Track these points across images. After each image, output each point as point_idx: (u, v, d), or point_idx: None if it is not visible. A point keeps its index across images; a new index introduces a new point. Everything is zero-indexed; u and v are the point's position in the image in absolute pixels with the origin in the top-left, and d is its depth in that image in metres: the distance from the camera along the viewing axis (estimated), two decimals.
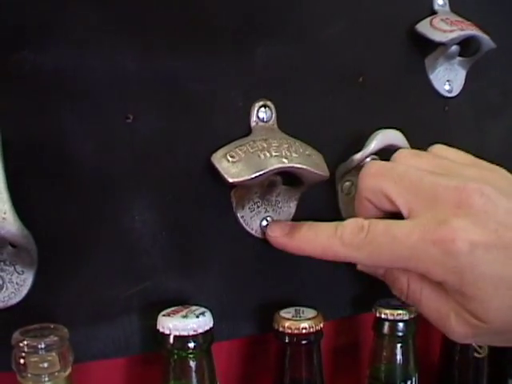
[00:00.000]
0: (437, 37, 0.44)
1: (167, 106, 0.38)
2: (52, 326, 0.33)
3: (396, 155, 0.39)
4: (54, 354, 0.32)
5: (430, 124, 0.48)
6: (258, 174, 0.37)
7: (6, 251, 0.35)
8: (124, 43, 0.37)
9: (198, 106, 0.39)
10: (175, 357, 0.35)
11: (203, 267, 0.40)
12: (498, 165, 0.38)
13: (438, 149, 0.40)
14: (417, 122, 0.46)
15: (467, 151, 0.41)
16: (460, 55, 0.48)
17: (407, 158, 0.38)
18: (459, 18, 0.46)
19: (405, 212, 0.36)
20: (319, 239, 0.37)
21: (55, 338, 0.32)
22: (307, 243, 0.38)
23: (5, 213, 0.32)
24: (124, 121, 0.37)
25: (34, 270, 0.36)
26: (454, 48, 0.47)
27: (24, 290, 0.36)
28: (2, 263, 0.35)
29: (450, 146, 0.49)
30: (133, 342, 0.39)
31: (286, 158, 0.38)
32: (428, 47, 0.46)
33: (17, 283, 0.36)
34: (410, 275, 0.37)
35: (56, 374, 0.32)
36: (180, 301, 0.39)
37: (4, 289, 0.36)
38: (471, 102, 0.50)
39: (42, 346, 0.32)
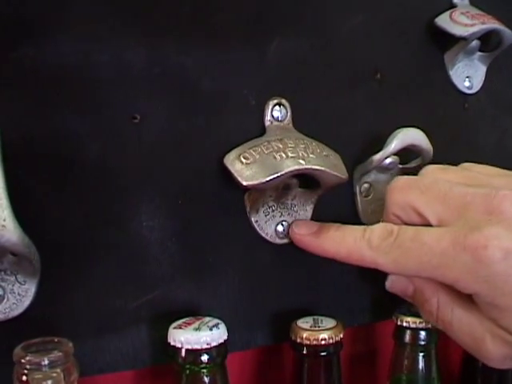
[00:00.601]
0: (457, 31, 0.42)
1: (176, 105, 0.36)
2: (56, 340, 0.31)
3: (423, 171, 0.37)
4: (58, 370, 0.29)
5: (449, 122, 0.45)
6: (273, 176, 0.34)
7: (7, 260, 0.32)
8: (131, 40, 0.35)
9: (208, 105, 0.36)
10: (187, 371, 0.32)
11: (215, 275, 0.37)
12: None
13: (465, 164, 0.38)
14: (436, 120, 0.43)
15: (486, 150, 0.39)
16: (480, 50, 0.45)
17: (434, 171, 0.37)
18: (480, 12, 0.43)
19: (434, 222, 0.33)
20: (346, 241, 0.35)
21: (59, 354, 0.29)
22: (332, 244, 0.36)
23: (4, 220, 0.29)
24: (131, 121, 0.35)
25: (36, 280, 0.33)
26: (475, 43, 0.44)
27: (26, 301, 0.33)
28: (2, 273, 0.33)
29: (469, 144, 0.46)
30: (141, 355, 0.36)
31: (303, 160, 0.36)
32: (447, 42, 0.44)
33: (18, 294, 0.33)
34: (440, 295, 0.34)
35: None
36: (191, 311, 0.37)
37: (5, 300, 0.33)
38: (491, 99, 0.47)
39: (46, 362, 0.29)
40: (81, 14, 0.33)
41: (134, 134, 0.35)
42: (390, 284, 0.38)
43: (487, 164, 0.38)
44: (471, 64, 0.45)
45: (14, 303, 0.33)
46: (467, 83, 0.46)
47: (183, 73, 0.36)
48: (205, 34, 0.36)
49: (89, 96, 0.34)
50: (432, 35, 0.43)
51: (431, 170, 0.37)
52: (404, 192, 0.35)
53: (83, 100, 0.34)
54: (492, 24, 0.42)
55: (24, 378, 0.29)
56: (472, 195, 0.32)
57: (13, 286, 0.33)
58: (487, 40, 0.45)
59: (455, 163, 0.43)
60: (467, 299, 0.33)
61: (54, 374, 0.29)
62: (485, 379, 0.44)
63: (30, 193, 0.33)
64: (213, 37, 0.37)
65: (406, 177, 0.37)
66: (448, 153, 0.41)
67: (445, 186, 0.34)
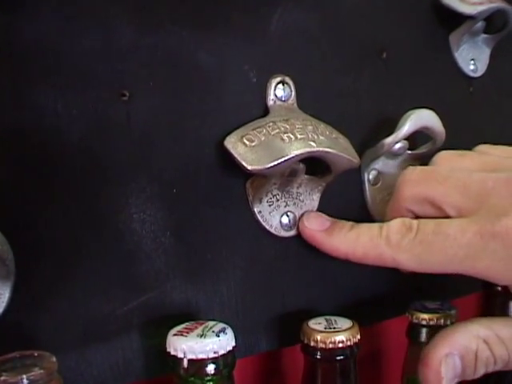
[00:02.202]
0: (465, 9, 0.37)
1: (169, 81, 0.30)
2: (36, 354, 0.25)
3: (436, 158, 0.33)
4: None
5: (455, 106, 0.41)
6: (282, 159, 0.29)
7: None
8: (119, 8, 0.29)
9: (205, 81, 0.31)
10: None
11: (215, 274, 0.32)
12: None
13: (482, 147, 0.34)
14: (442, 104, 0.39)
15: (490, 135, 0.35)
16: (484, 32, 0.41)
17: (449, 159, 0.33)
18: None
19: (453, 214, 0.30)
20: (361, 240, 0.31)
21: (41, 372, 0.23)
22: (347, 244, 0.31)
23: None
24: (119, 99, 0.29)
25: (10, 284, 0.27)
26: (480, 24, 0.40)
27: None
28: None
29: (473, 129, 0.42)
30: (133, 367, 0.30)
31: (313, 142, 0.30)
32: (453, 22, 0.39)
33: None
34: None
35: None
36: (188, 314, 0.31)
37: None
38: (495, 84, 0.43)
39: (25, 382, 0.23)
40: None
41: (123, 113, 0.29)
42: None
43: None
44: (475, 46, 0.41)
45: None
46: (472, 66, 0.41)
47: (177, 44, 0.30)
48: (202, 2, 0.30)
49: (70, 70, 0.28)
50: (437, 14, 0.39)
51: (446, 158, 0.33)
52: (419, 185, 0.31)
53: (63, 75, 0.28)
54: (500, 3, 0.38)
55: None
56: (493, 181, 0.29)
57: None
58: (492, 22, 0.41)
59: (459, 149, 0.39)
60: None
61: None
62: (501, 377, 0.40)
63: (0, 183, 0.27)
64: (209, 7, 0.31)
65: (419, 167, 0.33)
66: (453, 138, 0.37)
67: (463, 174, 0.30)
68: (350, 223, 0.32)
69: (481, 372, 0.29)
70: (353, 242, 0.31)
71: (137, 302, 0.30)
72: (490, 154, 0.33)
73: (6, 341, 0.27)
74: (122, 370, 0.30)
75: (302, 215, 0.34)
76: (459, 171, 0.31)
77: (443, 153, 0.34)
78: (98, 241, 0.29)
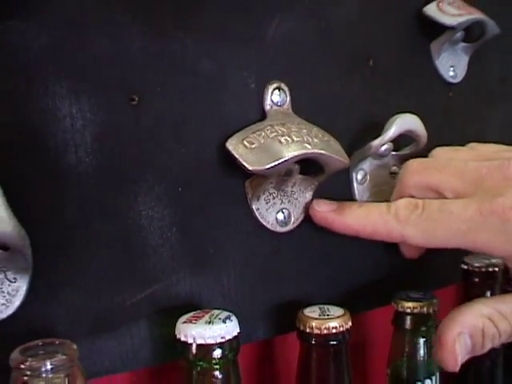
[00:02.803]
0: (446, 20, 0.40)
1: (175, 86, 0.32)
2: (57, 342, 0.27)
3: (433, 152, 0.37)
4: (61, 375, 0.25)
5: (436, 110, 0.44)
6: (281, 160, 0.31)
7: None
8: (127, 17, 0.31)
9: (207, 86, 0.33)
10: (198, 368, 0.29)
11: (216, 266, 0.34)
12: None
13: (472, 144, 0.38)
14: (424, 108, 0.42)
15: (469, 137, 0.38)
16: (463, 41, 0.44)
17: (446, 152, 0.36)
18: (463, 3, 0.42)
19: (452, 197, 0.33)
20: (371, 216, 0.34)
21: (63, 357, 0.25)
22: (357, 220, 0.34)
23: None
24: (129, 103, 0.31)
25: (28, 277, 0.29)
26: (459, 33, 0.43)
27: (17, 301, 0.29)
28: None
29: (452, 132, 0.45)
30: (142, 354, 0.32)
31: (308, 144, 0.33)
32: (434, 31, 0.42)
33: (8, 293, 0.29)
34: None
35: None
36: (192, 304, 0.33)
37: None
38: (472, 89, 0.46)
39: (48, 367, 0.25)
40: None
41: (132, 116, 0.31)
42: None
43: None
44: (455, 54, 0.44)
45: (3, 304, 0.29)
46: (451, 73, 0.44)
47: (182, 52, 0.32)
48: (204, 11, 0.33)
49: (83, 75, 0.30)
50: (419, 24, 0.42)
51: (443, 152, 0.36)
52: (421, 173, 0.34)
53: (77, 79, 0.29)
54: (478, 15, 0.41)
55: None
56: (487, 167, 0.32)
57: (2, 284, 0.28)
58: (470, 31, 0.44)
59: None
60: None
61: (58, 380, 0.25)
62: (483, 363, 0.43)
63: (18, 181, 0.29)
64: (210, 16, 0.33)
65: (419, 159, 0.36)
66: (434, 140, 0.40)
67: (460, 163, 0.33)
68: (358, 202, 0.36)
69: (488, 347, 0.32)
70: (363, 218, 0.34)
71: (145, 294, 0.32)
72: (479, 149, 0.36)
73: (24, 330, 0.29)
74: (131, 357, 0.32)
75: (296, 212, 0.37)
76: (456, 161, 0.34)
77: (439, 148, 0.37)
78: (109, 236, 0.31)
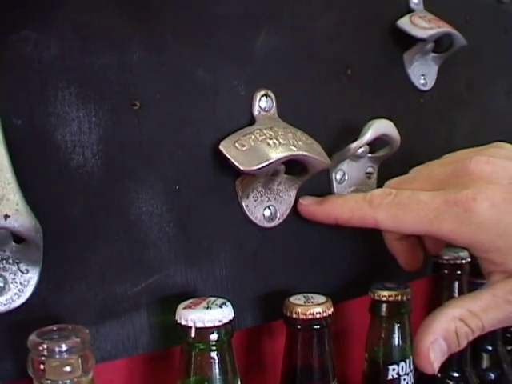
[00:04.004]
0: (418, 33, 0.45)
1: (174, 93, 0.35)
2: (70, 327, 0.29)
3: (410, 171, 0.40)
4: (75, 357, 0.28)
5: (408, 115, 0.48)
6: (270, 161, 0.35)
7: (9, 248, 0.31)
8: (130, 29, 0.34)
9: (202, 93, 0.37)
10: (197, 350, 0.32)
11: (209, 258, 0.38)
12: None
13: (445, 155, 0.41)
14: (397, 114, 0.46)
15: (438, 140, 0.42)
16: (433, 51, 0.49)
17: (417, 168, 0.40)
18: (434, 16, 0.47)
19: None
20: (348, 204, 0.38)
21: (77, 340, 0.28)
22: (335, 208, 0.38)
23: (17, 204, 0.28)
24: (131, 108, 0.34)
25: (39, 268, 0.31)
26: (430, 44, 0.47)
27: (28, 291, 0.31)
28: (4, 261, 0.31)
29: (423, 136, 0.50)
30: (142, 340, 0.35)
31: (294, 146, 0.37)
32: (406, 43, 0.47)
33: (21, 283, 0.31)
34: None
35: (76, 379, 0.28)
36: (187, 294, 0.37)
37: (6, 290, 0.31)
38: (441, 96, 0.51)
39: (64, 348, 0.28)
40: (83, 3, 0.32)
41: (135, 120, 0.34)
42: None
43: (438, 154, 0.41)
44: (426, 63, 0.49)
45: (15, 293, 0.31)
46: (422, 81, 0.49)
47: (180, 62, 0.36)
48: (200, 26, 0.36)
49: (89, 82, 0.33)
50: (394, 37, 0.46)
51: (415, 168, 0.40)
52: (398, 184, 0.38)
53: (83, 86, 0.33)
54: (447, 28, 0.46)
55: (41, 366, 0.27)
56: (452, 168, 0.36)
57: (15, 275, 0.31)
58: (440, 43, 0.48)
59: (411, 154, 0.46)
60: None
61: (72, 361, 0.28)
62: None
63: (29, 179, 0.31)
64: (204, 30, 0.37)
65: (394, 178, 0.40)
66: (406, 144, 0.44)
67: (428, 171, 0.38)
68: (338, 194, 0.40)
69: (464, 343, 0.35)
70: (340, 206, 0.38)
71: (145, 284, 0.35)
72: (447, 156, 0.40)
73: (34, 318, 0.32)
74: (133, 343, 0.35)
75: (281, 209, 0.40)
76: (424, 171, 0.38)
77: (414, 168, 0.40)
78: (113, 230, 0.34)
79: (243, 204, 0.38)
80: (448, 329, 0.34)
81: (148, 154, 0.35)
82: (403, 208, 0.35)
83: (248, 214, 0.39)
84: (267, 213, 0.40)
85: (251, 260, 0.39)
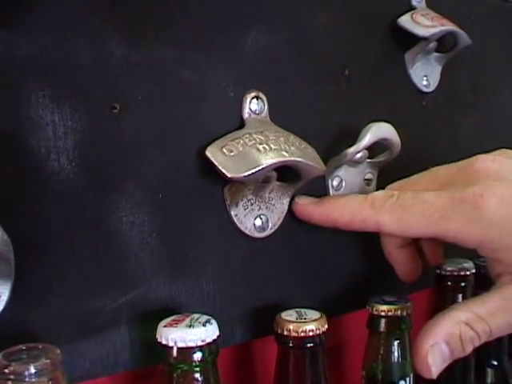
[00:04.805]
0: (420, 31, 0.43)
1: (156, 95, 0.34)
2: (41, 347, 0.27)
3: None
4: (45, 379, 0.26)
5: (409, 118, 0.46)
6: (259, 168, 0.33)
7: None
8: (110, 28, 0.32)
9: (188, 95, 0.35)
10: (179, 371, 0.30)
11: (195, 270, 0.36)
12: None
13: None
14: (398, 116, 0.44)
15: (441, 145, 0.40)
16: (436, 51, 0.47)
17: (422, 172, 0.38)
18: (437, 14, 0.45)
19: None
20: (348, 205, 0.36)
21: (47, 361, 0.26)
22: (335, 209, 0.37)
23: None
24: (110, 111, 0.32)
25: (10, 283, 0.30)
26: (432, 44, 0.45)
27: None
28: None
29: (426, 140, 0.48)
30: (122, 358, 0.33)
31: (286, 152, 0.35)
32: (408, 42, 0.44)
33: None
34: None
35: None
36: (171, 309, 0.35)
37: None
38: (445, 98, 0.49)
39: (32, 371, 0.26)
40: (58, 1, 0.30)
41: (114, 124, 0.32)
42: None
43: (441, 159, 0.39)
44: (428, 63, 0.47)
45: None
46: (425, 82, 0.47)
47: (163, 62, 0.34)
48: (185, 23, 0.34)
49: (65, 84, 0.31)
50: (394, 35, 0.44)
51: (420, 173, 0.39)
52: (401, 186, 0.37)
53: (58, 88, 0.31)
54: (450, 26, 0.44)
55: None
56: (458, 167, 0.35)
57: None
58: (443, 42, 0.46)
59: (413, 159, 0.44)
60: None
61: None
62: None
63: (1, 187, 0.30)
64: (191, 28, 0.35)
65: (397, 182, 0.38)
66: (407, 149, 0.42)
67: (432, 173, 0.37)
68: (337, 195, 0.38)
69: (469, 349, 0.33)
70: (340, 207, 0.36)
71: (125, 298, 0.33)
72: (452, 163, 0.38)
73: (5, 336, 0.30)
74: (112, 361, 0.33)
75: (273, 218, 0.38)
76: (428, 172, 0.37)
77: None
78: (90, 241, 0.32)
79: (232, 213, 0.36)
80: (452, 333, 0.33)
81: (129, 160, 0.33)
82: (407, 209, 0.34)
83: (237, 223, 0.37)
84: (258, 222, 0.38)
85: (241, 273, 0.37)
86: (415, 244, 0.40)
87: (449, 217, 0.33)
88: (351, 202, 0.36)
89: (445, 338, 0.33)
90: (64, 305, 0.31)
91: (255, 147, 0.34)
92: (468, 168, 0.34)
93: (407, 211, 0.34)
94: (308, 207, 0.38)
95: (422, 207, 0.33)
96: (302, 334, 0.34)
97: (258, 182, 0.37)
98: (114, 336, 0.33)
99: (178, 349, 0.30)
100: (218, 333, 0.31)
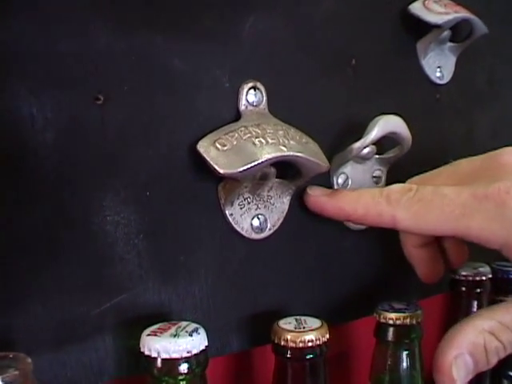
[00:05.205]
0: (432, 19, 0.40)
1: (144, 85, 0.31)
2: (11, 356, 0.25)
3: None
4: None
5: (422, 112, 0.43)
6: (254, 163, 0.30)
7: None
8: (94, 14, 0.30)
9: (179, 85, 0.32)
10: None
11: (187, 275, 0.33)
12: None
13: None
14: (409, 110, 0.41)
15: (456, 140, 0.38)
16: (450, 40, 0.44)
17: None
18: (450, 1, 0.42)
19: None
20: (363, 199, 0.34)
21: (16, 373, 0.24)
22: (349, 202, 0.34)
23: None
24: (93, 102, 0.30)
25: None
26: (446, 32, 0.42)
27: None
28: None
29: (439, 136, 0.45)
30: (106, 367, 0.31)
31: (284, 146, 0.32)
32: (420, 30, 0.41)
33: None
34: None
35: None
36: (161, 315, 0.32)
37: None
38: (460, 91, 0.45)
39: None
40: None
41: (97, 116, 0.30)
42: None
43: (455, 156, 0.36)
44: (442, 54, 0.44)
45: None
46: (438, 73, 0.44)
47: (152, 50, 0.31)
48: (176, 8, 0.32)
49: (45, 74, 0.29)
50: (405, 23, 0.41)
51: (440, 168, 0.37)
52: (420, 181, 0.35)
53: (39, 78, 0.28)
54: (465, 13, 0.40)
55: None
56: (481, 161, 0.33)
57: None
58: (458, 31, 0.43)
59: (425, 155, 0.41)
60: None
61: None
62: None
63: None
64: (182, 13, 0.32)
65: (417, 176, 0.36)
66: (419, 144, 0.39)
67: (453, 166, 0.34)
68: (351, 188, 0.36)
69: (494, 361, 0.30)
70: (354, 201, 0.34)
71: (110, 304, 0.31)
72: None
73: None
74: (96, 370, 0.31)
75: (273, 218, 0.36)
76: (449, 166, 0.35)
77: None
78: (72, 243, 0.30)
79: (227, 212, 0.34)
80: (476, 343, 0.30)
81: (113, 155, 0.30)
82: (426, 205, 0.31)
83: (233, 223, 0.34)
84: (256, 222, 0.35)
85: (237, 277, 0.35)
86: (437, 243, 0.38)
87: (470, 214, 0.30)
88: (366, 195, 0.34)
89: (469, 349, 0.30)
90: (43, 310, 0.29)
91: (251, 141, 0.32)
92: (493, 161, 0.32)
93: (425, 207, 0.31)
94: (320, 199, 0.36)
95: (441, 203, 0.31)
96: (301, 345, 0.31)
97: (256, 179, 0.34)
98: (98, 343, 0.31)
99: (163, 360, 0.27)
100: (206, 343, 0.28)
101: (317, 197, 0.36)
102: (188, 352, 0.27)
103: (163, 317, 0.32)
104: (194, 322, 0.31)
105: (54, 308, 0.30)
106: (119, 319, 0.31)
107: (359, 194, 0.34)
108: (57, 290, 0.30)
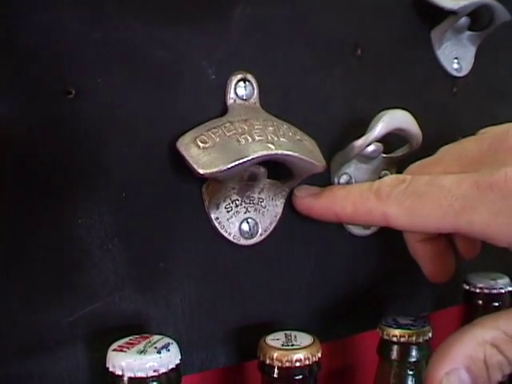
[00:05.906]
0: (447, 4, 0.36)
1: (121, 78, 0.29)
2: None
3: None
4: None
5: (437, 107, 0.39)
6: (236, 163, 0.28)
7: None
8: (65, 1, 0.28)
9: (159, 77, 0.30)
10: None
11: (168, 283, 0.31)
12: None
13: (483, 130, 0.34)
14: (422, 105, 0.37)
15: None
16: (469, 29, 0.40)
17: (448, 146, 0.33)
18: None
19: None
20: (351, 196, 0.30)
21: None
22: (337, 201, 0.31)
23: None
24: (64, 97, 0.28)
25: None
26: (464, 20, 0.38)
27: None
28: None
29: (456, 132, 0.41)
30: (78, 379, 0.29)
31: (272, 144, 0.29)
32: (434, 17, 0.38)
33: None
34: None
35: None
36: (138, 326, 0.30)
37: None
38: (480, 84, 0.41)
39: None
40: None
41: (68, 111, 0.28)
42: None
43: None
44: (460, 44, 0.40)
45: None
46: (456, 65, 0.40)
47: (129, 39, 0.29)
48: None
49: (9, 66, 0.26)
50: (417, 9, 0.37)
51: (445, 147, 0.33)
52: (420, 172, 0.31)
53: (3, 70, 0.26)
54: None
55: None
56: (489, 143, 0.29)
57: None
58: (477, 18, 0.39)
59: None
60: None
61: None
62: None
63: None
64: None
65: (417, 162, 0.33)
66: (434, 142, 0.36)
67: (458, 148, 0.31)
68: (340, 185, 0.33)
69: (498, 378, 0.26)
70: (342, 198, 0.31)
71: (82, 313, 0.29)
72: (486, 131, 0.33)
73: None
74: (66, 382, 0.29)
75: (264, 222, 0.33)
76: (454, 149, 0.31)
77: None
78: (40, 247, 0.28)
79: (212, 216, 0.31)
80: (474, 356, 0.26)
81: (86, 153, 0.28)
82: (419, 198, 0.27)
83: (219, 228, 0.31)
84: (245, 227, 0.32)
85: (223, 286, 0.32)
86: (444, 236, 0.34)
87: (473, 207, 0.26)
88: (354, 192, 0.31)
89: (465, 363, 0.26)
90: (9, 320, 0.27)
91: (235, 138, 0.29)
92: (502, 144, 0.28)
93: (419, 200, 0.27)
94: (307, 200, 0.33)
95: (438, 195, 0.27)
96: (288, 364, 0.28)
97: (244, 180, 0.31)
98: (69, 354, 0.29)
99: (129, 378, 0.25)
100: (177, 360, 0.26)
101: (303, 198, 0.33)
102: (155, 371, 0.25)
103: (141, 328, 0.30)
104: (174, 335, 0.28)
105: (21, 316, 0.27)
106: (92, 329, 0.29)
107: (348, 191, 0.31)
108: (25, 297, 0.28)
